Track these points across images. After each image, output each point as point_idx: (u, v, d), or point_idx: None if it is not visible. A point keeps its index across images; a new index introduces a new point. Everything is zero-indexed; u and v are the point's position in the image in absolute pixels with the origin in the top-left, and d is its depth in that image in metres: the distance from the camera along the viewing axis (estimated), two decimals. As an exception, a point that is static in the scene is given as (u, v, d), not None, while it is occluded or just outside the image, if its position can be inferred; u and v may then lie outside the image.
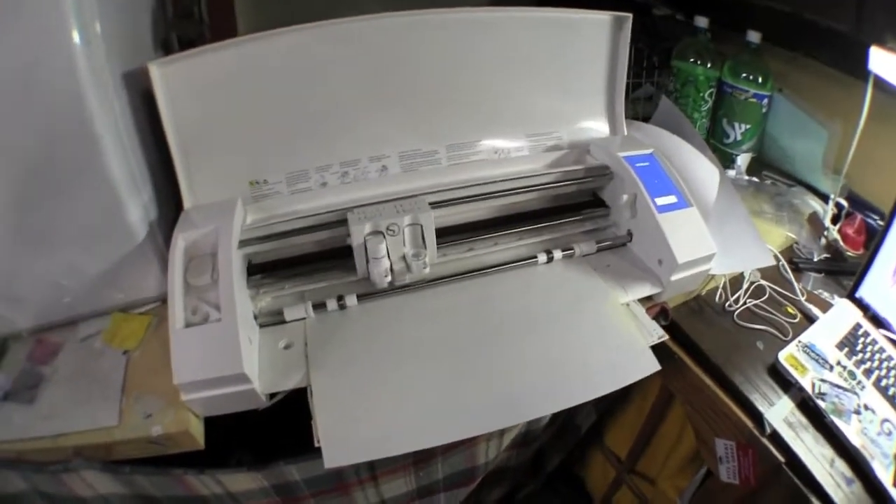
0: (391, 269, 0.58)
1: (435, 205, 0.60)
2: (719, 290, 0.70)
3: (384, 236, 0.56)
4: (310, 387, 0.52)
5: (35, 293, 0.59)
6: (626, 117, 0.74)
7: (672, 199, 0.63)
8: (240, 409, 0.53)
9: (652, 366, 0.54)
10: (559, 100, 0.70)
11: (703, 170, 0.68)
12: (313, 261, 0.60)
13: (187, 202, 0.60)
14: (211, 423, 0.55)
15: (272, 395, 0.54)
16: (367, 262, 0.57)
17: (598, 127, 0.73)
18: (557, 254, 0.64)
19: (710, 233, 0.62)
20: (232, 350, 0.49)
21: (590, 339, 0.57)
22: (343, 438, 0.48)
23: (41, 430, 0.54)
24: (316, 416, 0.49)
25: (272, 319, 0.57)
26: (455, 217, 0.65)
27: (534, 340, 0.57)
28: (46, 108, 0.50)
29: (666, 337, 0.59)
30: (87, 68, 0.50)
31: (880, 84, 0.72)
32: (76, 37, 0.49)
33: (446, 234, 0.62)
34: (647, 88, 0.92)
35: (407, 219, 0.57)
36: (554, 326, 0.58)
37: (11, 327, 0.60)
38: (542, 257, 0.63)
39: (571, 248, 0.64)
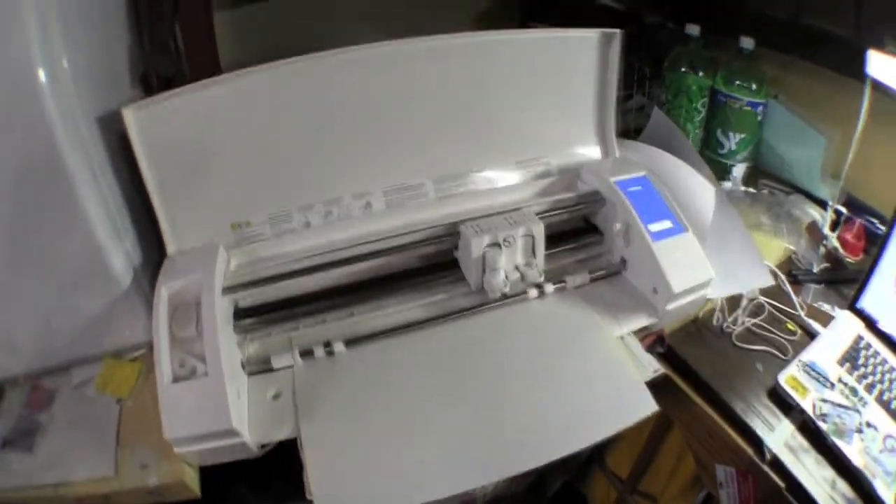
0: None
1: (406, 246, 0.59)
2: (716, 312, 0.68)
3: (500, 247, 0.58)
4: (300, 438, 0.51)
5: (27, 339, 0.58)
6: (618, 130, 0.71)
7: (667, 224, 0.61)
8: (233, 458, 0.53)
9: (649, 407, 0.53)
10: (548, 124, 0.68)
11: (698, 189, 0.67)
12: (300, 303, 0.59)
13: (170, 247, 0.59)
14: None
15: (264, 444, 0.54)
16: (483, 273, 0.59)
17: (588, 150, 0.71)
18: (549, 287, 0.62)
19: (707, 255, 0.61)
20: (220, 406, 0.48)
21: (584, 380, 0.56)
22: (338, 500, 0.47)
23: (43, 478, 0.54)
24: (307, 468, 0.49)
25: (261, 367, 0.57)
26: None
27: (528, 384, 0.56)
28: (18, 150, 0.48)
29: (661, 371, 0.58)
30: (54, 107, 0.48)
31: (878, 88, 0.70)
32: (42, 74, 0.47)
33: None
34: (638, 99, 0.90)
35: (521, 230, 0.59)
36: (548, 367, 0.57)
37: (6, 372, 0.59)
38: (533, 292, 0.62)
39: (563, 282, 0.63)
